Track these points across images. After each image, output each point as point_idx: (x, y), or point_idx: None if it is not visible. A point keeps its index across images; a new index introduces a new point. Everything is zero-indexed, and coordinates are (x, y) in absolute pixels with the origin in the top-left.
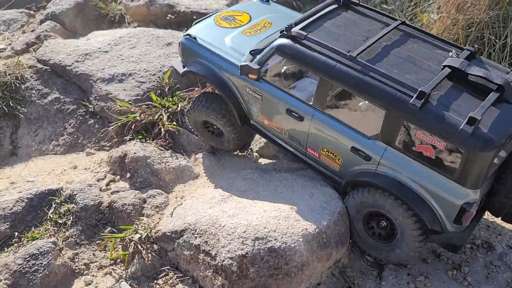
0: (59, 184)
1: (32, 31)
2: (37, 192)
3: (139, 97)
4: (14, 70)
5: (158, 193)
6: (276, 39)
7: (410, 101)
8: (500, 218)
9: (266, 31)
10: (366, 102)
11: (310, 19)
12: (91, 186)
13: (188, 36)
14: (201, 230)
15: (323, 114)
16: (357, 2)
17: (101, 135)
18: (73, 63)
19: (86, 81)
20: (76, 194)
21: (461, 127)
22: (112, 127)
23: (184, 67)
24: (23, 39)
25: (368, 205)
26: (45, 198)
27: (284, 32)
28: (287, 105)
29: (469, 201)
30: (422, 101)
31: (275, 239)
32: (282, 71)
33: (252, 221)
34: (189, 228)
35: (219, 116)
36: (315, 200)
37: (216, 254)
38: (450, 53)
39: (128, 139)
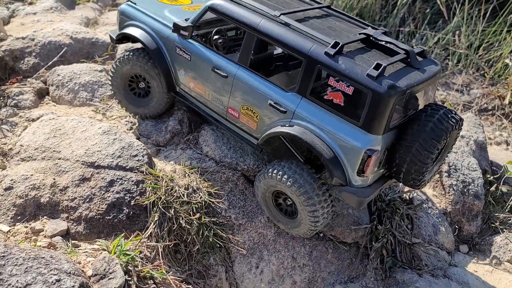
0: None
1: None
2: None
3: None
4: (198, 184)
5: None
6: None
7: (325, 50)
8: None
9: None
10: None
11: None
12: None
13: (128, 2)
14: None
15: (246, 70)
16: None
17: (341, 269)
18: None
19: None
20: None
21: (367, 71)
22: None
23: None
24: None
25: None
26: None
27: None
28: (213, 64)
29: (372, 147)
30: (336, 49)
31: None
32: (212, 35)
33: None
34: None
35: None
36: None
37: None
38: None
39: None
